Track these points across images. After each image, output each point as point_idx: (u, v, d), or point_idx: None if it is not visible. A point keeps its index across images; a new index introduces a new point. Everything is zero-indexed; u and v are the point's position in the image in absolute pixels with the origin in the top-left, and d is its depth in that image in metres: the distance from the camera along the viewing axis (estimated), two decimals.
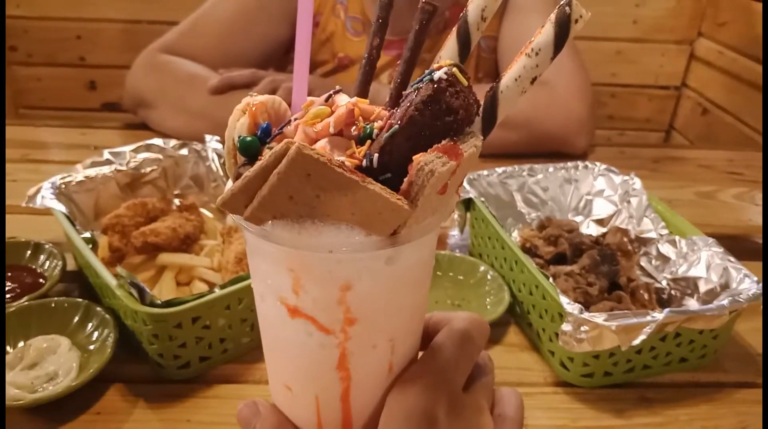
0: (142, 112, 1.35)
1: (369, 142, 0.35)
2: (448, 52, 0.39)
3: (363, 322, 0.39)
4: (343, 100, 0.38)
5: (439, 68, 0.34)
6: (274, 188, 0.32)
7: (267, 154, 0.32)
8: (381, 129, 0.36)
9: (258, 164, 0.33)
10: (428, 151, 0.33)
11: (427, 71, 0.35)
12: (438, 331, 0.44)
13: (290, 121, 0.38)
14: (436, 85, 0.34)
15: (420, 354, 0.44)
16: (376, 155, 0.34)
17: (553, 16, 0.35)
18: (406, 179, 0.34)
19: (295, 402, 0.44)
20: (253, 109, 0.37)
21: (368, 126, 0.36)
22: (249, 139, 0.36)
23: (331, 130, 0.36)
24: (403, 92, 0.37)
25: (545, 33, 0.36)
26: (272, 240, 0.35)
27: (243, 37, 1.40)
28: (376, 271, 0.37)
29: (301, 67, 0.39)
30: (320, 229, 0.34)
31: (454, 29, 0.39)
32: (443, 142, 0.34)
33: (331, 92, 0.38)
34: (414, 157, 0.33)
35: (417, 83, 0.35)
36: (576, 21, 0.35)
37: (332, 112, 0.37)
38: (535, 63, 0.36)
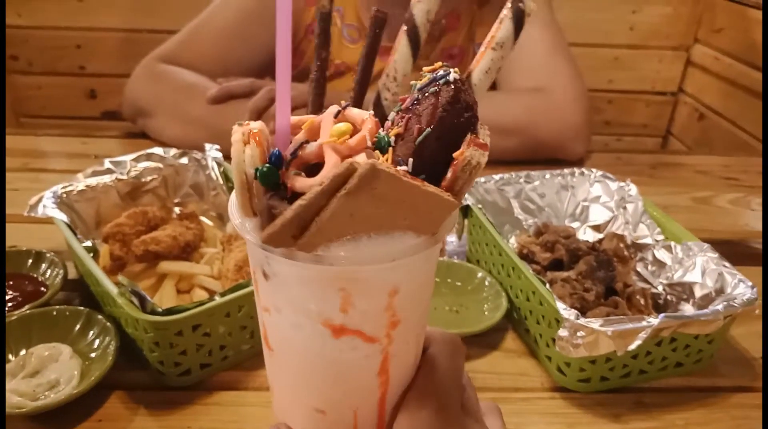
0: (141, 121, 1.36)
1: (390, 149, 0.37)
2: (401, 55, 0.41)
3: (404, 322, 0.40)
4: (356, 113, 0.38)
5: (443, 72, 0.37)
6: (338, 209, 0.32)
7: (316, 182, 0.33)
8: (398, 136, 0.37)
9: (314, 191, 0.32)
10: (463, 146, 0.36)
11: (431, 76, 0.38)
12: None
13: (302, 144, 0.36)
14: (454, 86, 0.37)
15: None
16: (410, 159, 0.36)
17: (509, 12, 0.39)
18: (449, 175, 0.36)
19: (328, 425, 0.43)
20: (257, 137, 0.35)
21: (383, 135, 0.37)
22: (266, 168, 0.35)
23: (369, 143, 0.36)
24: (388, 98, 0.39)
25: (505, 28, 0.40)
26: (327, 263, 0.35)
27: (241, 45, 1.41)
28: (418, 269, 0.39)
29: (283, 92, 0.36)
30: (376, 241, 0.35)
31: (405, 31, 0.41)
32: (467, 137, 0.37)
33: (340, 108, 0.38)
34: (455, 154, 0.36)
35: (426, 87, 0.37)
36: (528, 14, 0.39)
37: (355, 127, 0.37)
38: (500, 55, 0.40)
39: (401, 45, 0.41)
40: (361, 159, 0.34)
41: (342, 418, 0.43)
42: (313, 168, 0.36)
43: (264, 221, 0.35)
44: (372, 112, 0.40)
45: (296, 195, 0.34)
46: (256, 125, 0.36)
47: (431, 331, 0.46)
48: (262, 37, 1.41)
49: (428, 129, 0.36)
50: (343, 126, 0.36)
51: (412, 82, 0.39)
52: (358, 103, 0.41)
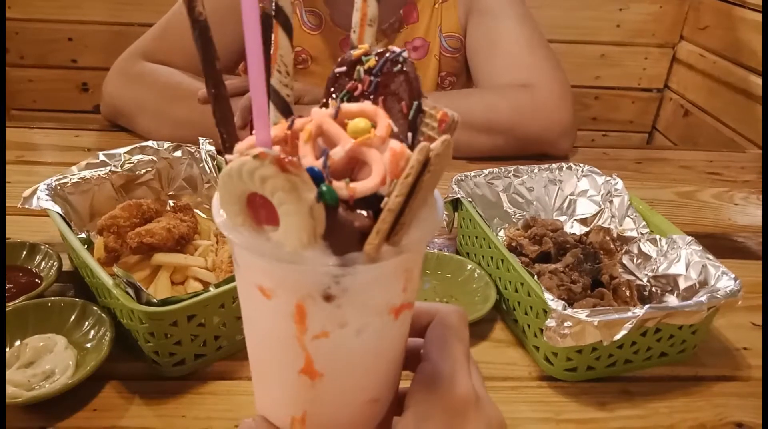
0: (122, 121, 1.35)
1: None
2: (283, 48, 0.40)
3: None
4: (356, 106, 0.38)
5: (390, 53, 0.39)
6: (424, 193, 0.33)
7: (377, 181, 0.33)
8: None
9: (404, 184, 0.32)
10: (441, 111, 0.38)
11: (379, 59, 0.39)
12: (423, 321, 0.47)
13: (327, 153, 0.35)
14: (409, 60, 0.38)
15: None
16: (409, 134, 0.38)
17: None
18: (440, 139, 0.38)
19: (380, 409, 0.44)
20: (292, 162, 0.32)
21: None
22: (326, 187, 0.32)
23: (395, 129, 0.37)
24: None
25: (371, 4, 0.41)
26: (407, 250, 0.34)
27: (215, 35, 1.39)
28: None
29: (261, 105, 0.34)
30: (420, 217, 0.35)
31: (278, 24, 0.40)
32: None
33: (338, 106, 0.37)
34: (439, 116, 0.38)
35: (382, 68, 0.39)
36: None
37: (372, 121, 0.37)
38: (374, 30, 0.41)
39: (280, 38, 0.39)
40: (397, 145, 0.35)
41: (390, 398, 0.44)
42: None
43: (338, 241, 0.33)
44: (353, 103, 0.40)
45: (357, 203, 0.33)
46: (276, 151, 0.33)
47: (438, 308, 0.48)
48: (235, 26, 1.38)
49: (416, 102, 0.37)
50: (361, 122, 0.36)
51: (358, 68, 0.39)
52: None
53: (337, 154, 0.34)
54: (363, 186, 0.33)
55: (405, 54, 0.38)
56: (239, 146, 0.36)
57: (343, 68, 0.39)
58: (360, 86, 0.38)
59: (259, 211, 0.34)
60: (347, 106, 0.38)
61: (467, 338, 0.47)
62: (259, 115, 0.34)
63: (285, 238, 0.33)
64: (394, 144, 0.35)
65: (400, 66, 0.38)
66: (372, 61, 0.38)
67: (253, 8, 0.32)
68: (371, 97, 0.39)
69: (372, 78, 0.38)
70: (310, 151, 0.35)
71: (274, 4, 0.38)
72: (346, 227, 0.33)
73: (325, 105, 0.39)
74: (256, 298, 0.38)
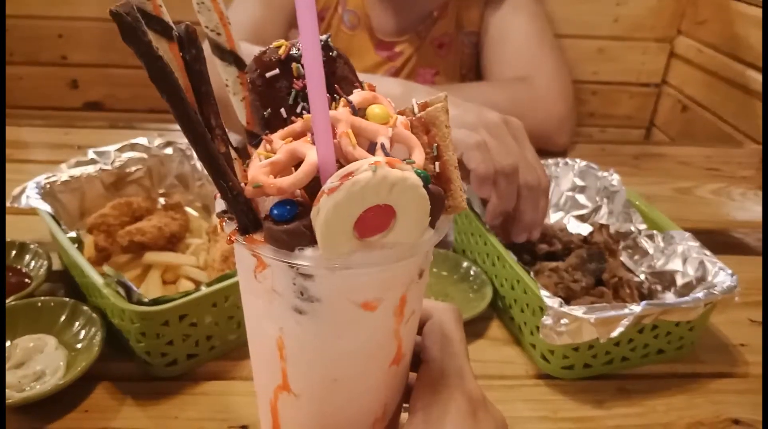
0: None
1: None
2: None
3: None
4: (361, 95, 0.39)
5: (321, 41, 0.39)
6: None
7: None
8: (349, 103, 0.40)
9: (444, 145, 0.37)
10: None
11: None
12: (420, 320, 0.46)
13: (380, 144, 0.35)
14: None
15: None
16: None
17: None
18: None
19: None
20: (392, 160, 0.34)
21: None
22: (418, 171, 0.34)
23: (419, 112, 0.39)
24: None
25: None
26: (443, 244, 0.38)
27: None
28: None
29: (322, 117, 0.33)
30: None
31: None
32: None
33: (352, 104, 0.37)
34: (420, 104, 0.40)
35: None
36: None
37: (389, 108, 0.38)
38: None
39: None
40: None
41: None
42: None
43: (435, 215, 0.36)
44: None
45: None
46: (376, 157, 0.33)
47: (433, 308, 0.47)
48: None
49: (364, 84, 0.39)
50: (376, 108, 0.36)
51: (296, 65, 0.37)
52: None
53: (387, 143, 0.35)
54: (420, 161, 0.35)
55: (324, 37, 0.37)
56: (301, 176, 0.34)
57: (275, 71, 0.37)
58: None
59: (367, 226, 0.34)
60: (356, 101, 0.37)
61: (464, 338, 0.46)
62: (322, 133, 0.33)
63: (404, 234, 0.34)
64: (400, 118, 0.37)
65: (332, 51, 0.37)
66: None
67: (309, 7, 0.32)
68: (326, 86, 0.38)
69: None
70: (362, 150, 0.35)
71: None
72: (440, 200, 0.36)
73: (294, 111, 0.38)
74: (354, 320, 0.38)
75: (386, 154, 0.34)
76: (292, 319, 0.38)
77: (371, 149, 0.35)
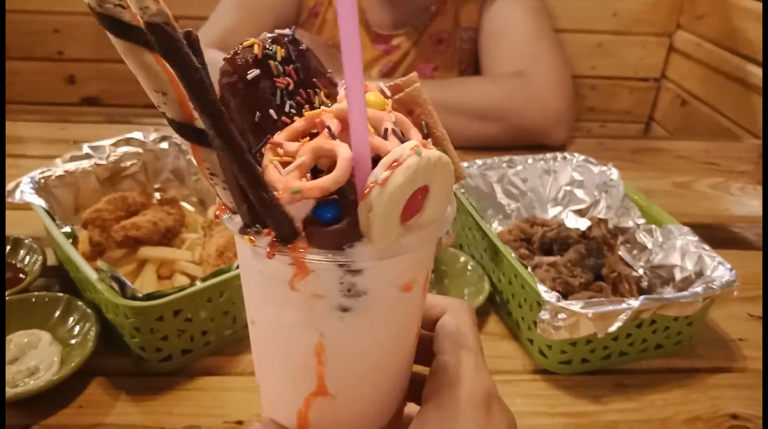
0: None
1: None
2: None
3: None
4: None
5: (287, 36, 0.39)
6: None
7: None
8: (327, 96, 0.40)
9: (435, 122, 0.38)
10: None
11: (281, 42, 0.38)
12: (433, 315, 0.46)
13: (394, 131, 0.36)
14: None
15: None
16: None
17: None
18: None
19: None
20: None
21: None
22: (435, 149, 0.37)
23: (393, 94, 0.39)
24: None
25: None
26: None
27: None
28: None
29: (358, 114, 0.33)
30: None
31: None
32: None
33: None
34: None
35: (291, 53, 0.38)
36: None
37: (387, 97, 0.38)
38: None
39: None
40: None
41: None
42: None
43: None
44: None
45: None
46: (413, 143, 0.34)
47: (448, 304, 0.47)
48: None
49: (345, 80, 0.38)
50: (371, 96, 0.36)
51: (273, 63, 0.36)
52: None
53: (396, 128, 0.36)
54: (420, 140, 0.36)
55: (290, 31, 0.37)
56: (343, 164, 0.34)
57: (256, 71, 0.36)
58: (289, 78, 0.37)
59: (409, 209, 0.34)
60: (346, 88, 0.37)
61: (478, 333, 0.46)
62: (358, 127, 0.34)
63: (435, 210, 0.36)
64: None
65: (301, 45, 0.37)
66: (281, 51, 0.37)
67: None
68: (305, 81, 0.37)
69: (293, 65, 0.37)
70: (394, 138, 0.35)
71: None
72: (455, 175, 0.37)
73: (282, 110, 0.37)
74: (395, 303, 0.39)
75: (399, 138, 0.35)
76: (336, 319, 0.38)
77: (383, 136, 0.36)
